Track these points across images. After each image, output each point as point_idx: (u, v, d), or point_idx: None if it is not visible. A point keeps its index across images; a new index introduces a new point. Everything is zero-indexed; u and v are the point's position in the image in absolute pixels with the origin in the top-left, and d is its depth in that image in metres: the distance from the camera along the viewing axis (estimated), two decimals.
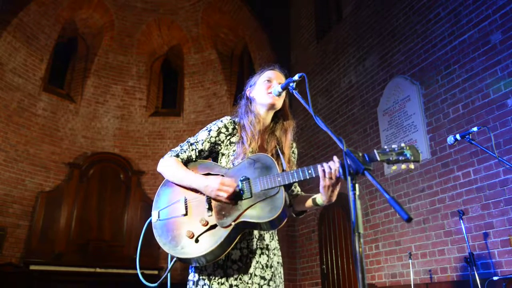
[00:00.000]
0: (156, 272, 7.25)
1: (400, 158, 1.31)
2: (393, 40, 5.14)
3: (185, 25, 8.96)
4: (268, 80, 1.74)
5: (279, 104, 1.73)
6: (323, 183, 1.46)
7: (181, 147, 1.70)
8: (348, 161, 1.14)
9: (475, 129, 2.80)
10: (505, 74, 3.68)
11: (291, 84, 1.56)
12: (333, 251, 5.60)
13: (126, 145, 8.55)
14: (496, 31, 3.83)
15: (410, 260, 3.97)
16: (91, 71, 8.62)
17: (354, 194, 1.05)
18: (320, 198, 1.58)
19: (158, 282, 1.54)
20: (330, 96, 6.27)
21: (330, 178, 1.43)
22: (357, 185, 1.07)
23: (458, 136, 2.80)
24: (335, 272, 5.48)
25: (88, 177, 7.87)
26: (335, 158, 1.44)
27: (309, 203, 1.66)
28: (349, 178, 1.10)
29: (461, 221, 3.44)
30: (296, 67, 7.44)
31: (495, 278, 3.17)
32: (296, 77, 1.56)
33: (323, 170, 1.43)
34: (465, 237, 3.38)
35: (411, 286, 3.99)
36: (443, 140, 4.14)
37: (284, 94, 1.71)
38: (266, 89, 1.72)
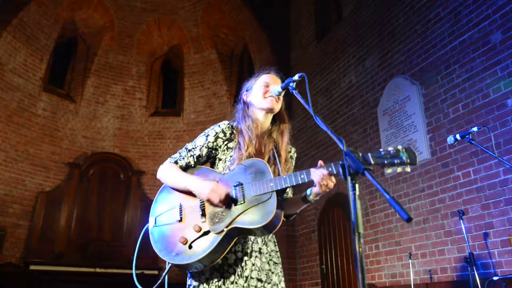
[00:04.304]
0: (156, 272, 7.24)
1: (395, 161, 1.29)
2: (393, 40, 5.14)
3: (185, 25, 8.96)
4: (265, 85, 1.74)
5: (277, 107, 1.73)
6: (318, 178, 1.45)
7: (179, 154, 1.71)
8: (348, 161, 1.14)
9: (475, 129, 2.80)
10: (505, 74, 3.68)
11: (291, 84, 1.56)
12: (333, 251, 5.60)
13: (126, 145, 8.55)
14: (496, 31, 3.83)
15: (410, 260, 3.97)
16: (91, 71, 8.62)
17: (354, 194, 1.05)
18: (311, 194, 1.56)
19: (154, 286, 1.55)
20: (330, 96, 6.26)
21: (323, 179, 1.44)
22: (357, 185, 1.07)
23: (458, 136, 2.80)
24: (335, 272, 5.48)
25: (88, 177, 7.87)
26: (320, 162, 1.47)
27: (299, 203, 1.65)
28: (349, 178, 1.09)
29: (461, 221, 3.44)
30: (296, 67, 7.44)
31: (495, 278, 3.16)
32: (296, 77, 1.55)
33: (318, 175, 1.44)
34: (465, 237, 3.38)
35: (411, 286, 3.99)
36: (443, 140, 4.14)
37: (282, 96, 1.70)
38: (263, 94, 1.71)
